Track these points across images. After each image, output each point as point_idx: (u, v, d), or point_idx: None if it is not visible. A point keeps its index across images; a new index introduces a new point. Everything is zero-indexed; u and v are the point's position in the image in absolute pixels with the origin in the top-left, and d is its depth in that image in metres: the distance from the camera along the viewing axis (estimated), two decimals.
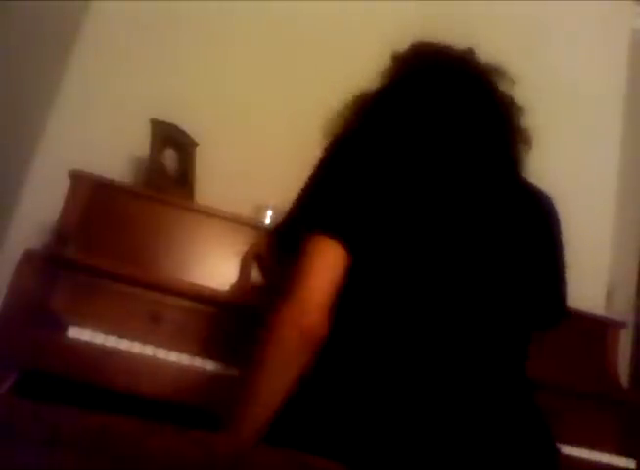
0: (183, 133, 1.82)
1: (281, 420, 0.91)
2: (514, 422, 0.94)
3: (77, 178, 1.55)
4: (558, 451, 1.00)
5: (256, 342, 0.94)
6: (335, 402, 0.91)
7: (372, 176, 1.00)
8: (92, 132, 1.87)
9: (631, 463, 1.69)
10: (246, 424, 0.90)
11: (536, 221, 1.11)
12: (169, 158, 1.76)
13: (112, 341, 1.34)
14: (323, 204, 0.99)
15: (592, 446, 1.66)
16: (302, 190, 1.03)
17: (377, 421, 0.88)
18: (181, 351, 1.39)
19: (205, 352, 1.42)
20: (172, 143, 1.78)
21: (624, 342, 2.09)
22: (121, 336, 1.36)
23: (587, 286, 2.20)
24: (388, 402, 0.89)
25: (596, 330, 1.90)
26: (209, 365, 1.40)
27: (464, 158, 1.06)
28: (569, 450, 1.61)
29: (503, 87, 1.16)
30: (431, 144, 1.05)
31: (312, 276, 0.94)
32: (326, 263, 0.95)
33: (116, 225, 1.57)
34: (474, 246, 1.01)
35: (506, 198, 1.08)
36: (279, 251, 1.04)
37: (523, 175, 1.15)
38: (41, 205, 1.73)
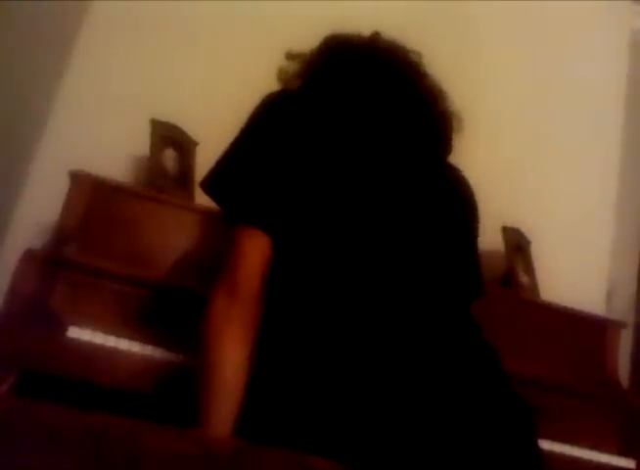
0: (183, 133, 1.82)
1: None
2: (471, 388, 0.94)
3: (77, 178, 1.55)
4: (526, 408, 1.00)
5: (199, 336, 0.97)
6: (288, 390, 0.91)
7: (294, 158, 1.02)
8: (92, 132, 1.87)
9: (631, 463, 1.69)
10: (214, 418, 0.91)
11: (455, 203, 1.14)
12: (169, 158, 1.76)
13: (112, 341, 1.34)
14: (241, 190, 1.03)
15: (592, 447, 1.66)
16: (224, 161, 1.10)
17: (335, 403, 0.88)
18: (181, 350, 1.39)
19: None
20: (172, 143, 1.77)
21: (624, 342, 2.09)
22: (121, 336, 1.36)
23: (587, 286, 2.21)
24: (343, 384, 0.89)
25: (596, 330, 1.90)
26: None
27: (387, 140, 1.08)
28: (568, 450, 1.61)
29: (424, 68, 1.19)
30: (353, 127, 1.07)
31: (238, 260, 0.99)
32: (250, 249, 1.00)
33: (116, 225, 1.57)
34: (397, 224, 1.03)
35: (427, 179, 1.11)
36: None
37: (450, 155, 1.19)
38: (41, 205, 1.72)
